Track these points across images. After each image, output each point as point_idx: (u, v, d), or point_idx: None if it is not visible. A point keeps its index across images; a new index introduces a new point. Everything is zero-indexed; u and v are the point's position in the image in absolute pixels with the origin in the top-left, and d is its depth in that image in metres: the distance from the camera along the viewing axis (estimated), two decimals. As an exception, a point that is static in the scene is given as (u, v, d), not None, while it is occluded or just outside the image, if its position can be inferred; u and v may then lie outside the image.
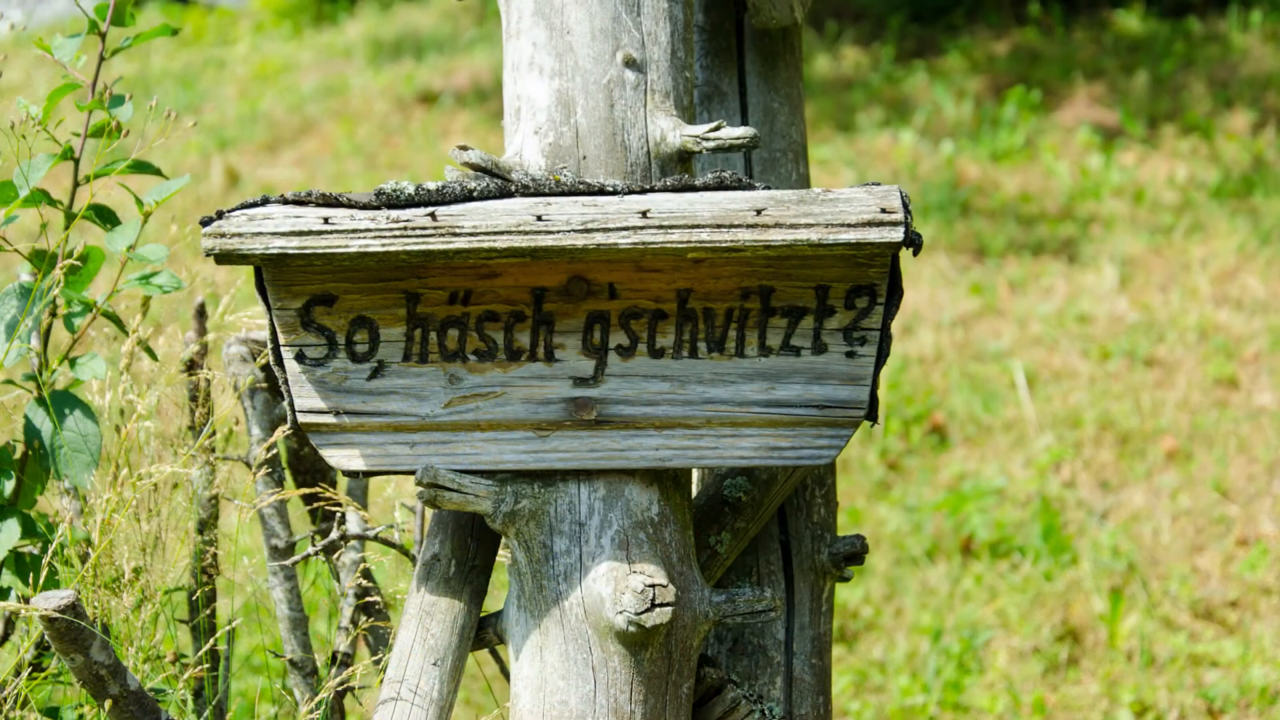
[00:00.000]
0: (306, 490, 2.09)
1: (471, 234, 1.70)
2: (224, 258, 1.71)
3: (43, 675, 2.04)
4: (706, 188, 1.76)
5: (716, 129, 1.85)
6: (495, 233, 1.70)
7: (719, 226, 1.71)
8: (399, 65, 8.34)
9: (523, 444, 1.81)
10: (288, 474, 2.44)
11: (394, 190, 1.72)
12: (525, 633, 1.82)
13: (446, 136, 7.24)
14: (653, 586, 1.76)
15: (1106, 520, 4.31)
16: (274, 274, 1.76)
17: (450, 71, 8.13)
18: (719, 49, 2.22)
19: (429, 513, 2.01)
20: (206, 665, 2.21)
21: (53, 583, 2.03)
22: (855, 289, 1.79)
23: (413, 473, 1.81)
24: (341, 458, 1.83)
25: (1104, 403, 4.81)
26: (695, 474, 2.10)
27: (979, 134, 6.84)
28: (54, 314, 2.14)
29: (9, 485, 2.07)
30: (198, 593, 2.30)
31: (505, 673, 2.16)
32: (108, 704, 1.80)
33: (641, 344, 1.80)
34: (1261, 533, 4.21)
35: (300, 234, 1.70)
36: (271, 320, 1.79)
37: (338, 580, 2.36)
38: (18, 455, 2.13)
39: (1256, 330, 5.17)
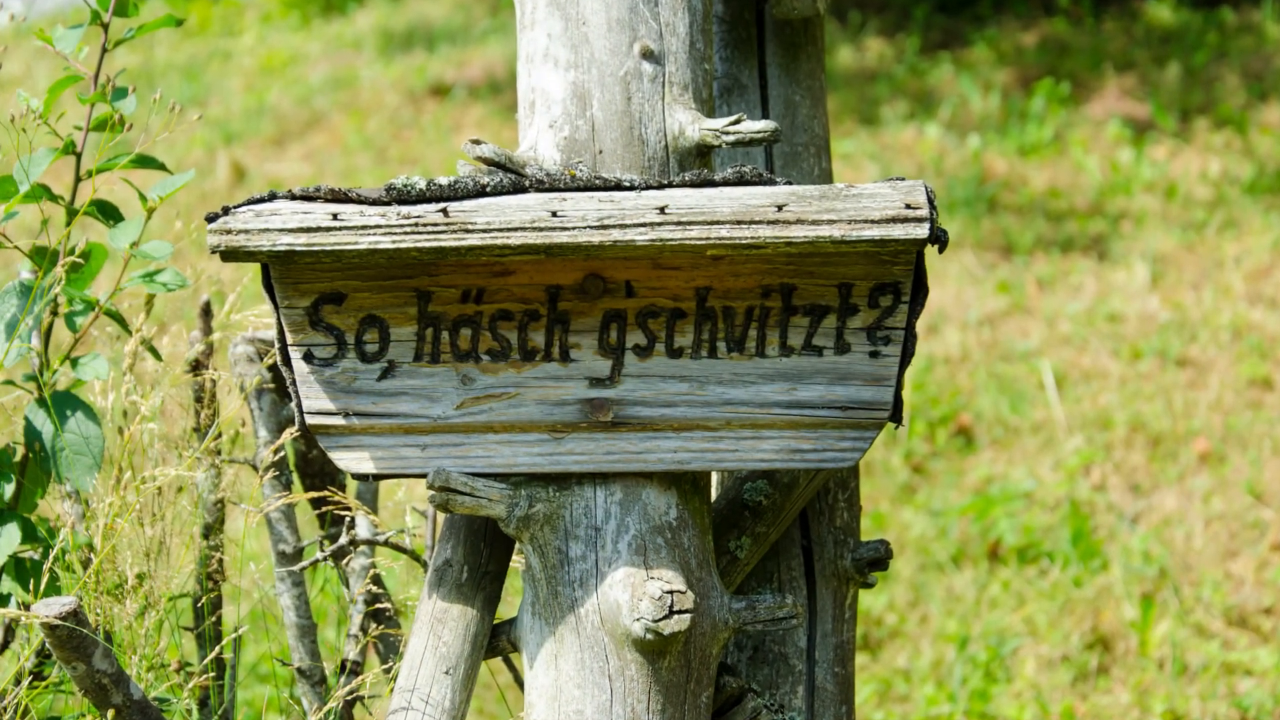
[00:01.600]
0: (315, 494, 2.09)
1: (484, 230, 1.68)
2: (230, 255, 1.69)
3: (44, 684, 2.03)
4: (726, 183, 1.74)
5: (736, 122, 1.82)
6: (509, 229, 1.68)
7: (739, 223, 1.68)
8: (410, 57, 8.29)
9: (537, 446, 1.79)
10: (295, 477, 2.43)
11: (405, 185, 1.70)
12: (540, 640, 1.80)
13: (459, 130, 7.21)
14: (671, 593, 1.73)
15: (1137, 524, 4.25)
16: (281, 272, 1.74)
17: (463, 63, 8.09)
18: (739, 40, 2.20)
19: (440, 517, 2.00)
20: (212, 674, 2.20)
21: (54, 589, 2.02)
22: (879, 287, 1.76)
23: (424, 476, 1.78)
24: (351, 460, 1.81)
25: (1135, 404, 4.75)
26: (714, 477, 2.08)
27: (1006, 128, 6.77)
28: (55, 313, 2.12)
29: (9, 489, 2.06)
30: (203, 599, 2.29)
31: (519, 681, 2.14)
32: (110, 714, 1.79)
33: (659, 343, 1.78)
34: (1297, 537, 4.14)
35: (308, 230, 1.68)
36: (279, 319, 1.77)
37: (347, 586, 2.35)
38: (18, 458, 2.11)
39: (1291, 329, 5.09)
